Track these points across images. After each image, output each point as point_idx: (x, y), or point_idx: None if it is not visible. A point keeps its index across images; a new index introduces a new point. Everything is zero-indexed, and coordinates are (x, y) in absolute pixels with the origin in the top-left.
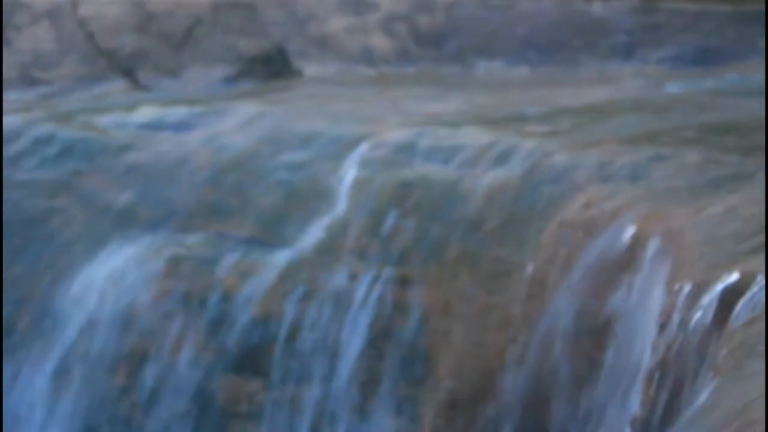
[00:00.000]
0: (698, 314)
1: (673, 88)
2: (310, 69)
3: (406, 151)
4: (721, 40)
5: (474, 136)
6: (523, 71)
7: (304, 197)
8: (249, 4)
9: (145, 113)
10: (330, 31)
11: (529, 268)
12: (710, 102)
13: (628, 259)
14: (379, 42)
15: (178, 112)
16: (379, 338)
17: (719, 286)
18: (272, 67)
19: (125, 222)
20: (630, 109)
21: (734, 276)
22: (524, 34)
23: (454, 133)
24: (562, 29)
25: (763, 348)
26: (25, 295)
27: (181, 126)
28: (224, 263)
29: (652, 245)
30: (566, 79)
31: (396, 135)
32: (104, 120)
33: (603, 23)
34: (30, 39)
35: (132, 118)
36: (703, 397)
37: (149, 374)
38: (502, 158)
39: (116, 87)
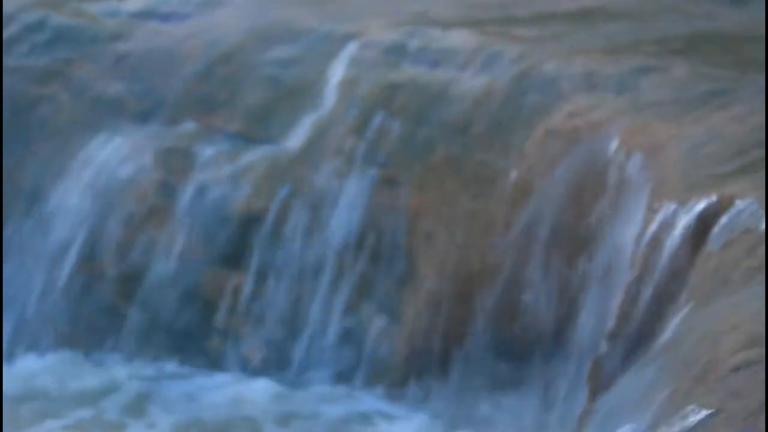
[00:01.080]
0: (676, 234)
1: None
2: None
3: (395, 52)
4: None
5: (462, 40)
6: None
7: (293, 94)
8: None
9: (137, 1)
10: None
11: (514, 175)
12: (700, 9)
13: (610, 172)
14: None
15: (170, 2)
16: (363, 238)
17: (697, 208)
18: None
19: (114, 112)
20: (619, 14)
21: (712, 198)
22: None
23: (442, 36)
24: None
25: (735, 276)
26: (15, 184)
27: (172, 16)
28: (212, 157)
29: (635, 160)
30: None
31: (385, 35)
32: (96, 7)
33: None
34: None
35: (124, 6)
36: (675, 323)
37: (136, 267)
38: (490, 63)
39: None
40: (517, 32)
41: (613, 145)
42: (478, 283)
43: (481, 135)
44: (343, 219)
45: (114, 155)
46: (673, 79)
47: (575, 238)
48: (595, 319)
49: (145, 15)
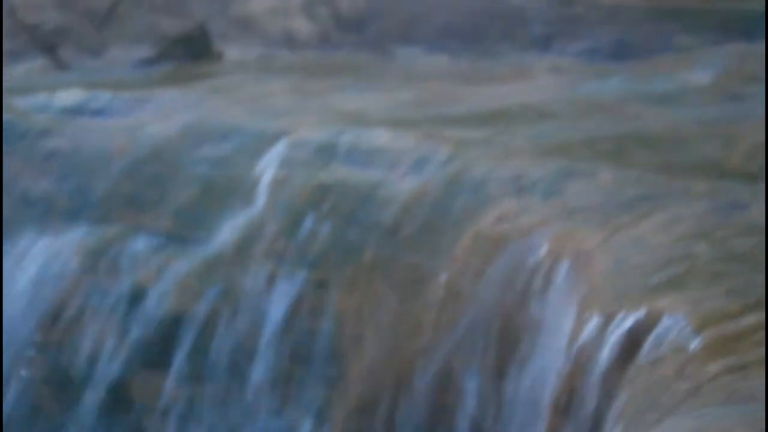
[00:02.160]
0: (605, 349)
1: (588, 88)
2: (232, 51)
3: (325, 151)
4: (636, 35)
5: (392, 140)
6: (443, 60)
7: (223, 193)
8: None
9: (67, 96)
10: (252, 12)
11: (443, 278)
12: (624, 108)
13: (538, 280)
14: (301, 25)
15: (100, 97)
16: (293, 340)
17: (626, 323)
18: (194, 49)
19: (43, 210)
20: (546, 114)
21: (641, 313)
22: (444, 22)
23: (372, 135)
24: (482, 17)
25: (665, 399)
26: None
27: (102, 112)
28: (141, 257)
29: (562, 268)
30: (484, 73)
31: (315, 134)
32: (26, 102)
33: (522, 13)
34: None
35: (53, 101)
36: None
37: (66, 366)
38: (420, 165)
39: (38, 64)
40: (446, 133)
41: (541, 251)
42: (406, 386)
43: (410, 237)
44: (272, 320)
45: (41, 255)
46: (599, 184)
47: (504, 346)
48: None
49: (75, 111)
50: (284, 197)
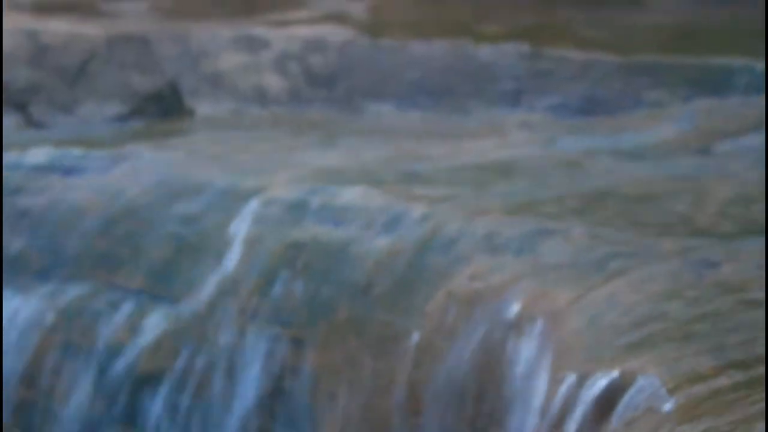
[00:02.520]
0: (578, 411)
1: (558, 144)
2: (203, 108)
3: (298, 209)
4: (607, 91)
5: (365, 198)
6: (414, 116)
7: (195, 251)
8: (143, 39)
9: (38, 154)
10: (223, 68)
11: (416, 336)
12: (595, 164)
13: (511, 339)
14: (272, 81)
15: (71, 155)
16: (267, 399)
17: (600, 384)
18: (165, 106)
19: (15, 269)
20: (516, 171)
21: (614, 374)
22: (415, 78)
23: (345, 193)
24: (452, 73)
25: None
26: None
27: (73, 169)
28: (113, 316)
29: (536, 327)
30: (455, 129)
31: (287, 192)
32: None
33: (491, 68)
34: None
35: (25, 159)
36: None
37: (38, 425)
38: (392, 223)
39: (9, 122)
40: (418, 190)
41: (514, 310)
42: None
43: (383, 295)
44: (246, 379)
45: (14, 314)
46: (571, 242)
47: (478, 404)
48: None
49: (46, 168)
50: (257, 255)
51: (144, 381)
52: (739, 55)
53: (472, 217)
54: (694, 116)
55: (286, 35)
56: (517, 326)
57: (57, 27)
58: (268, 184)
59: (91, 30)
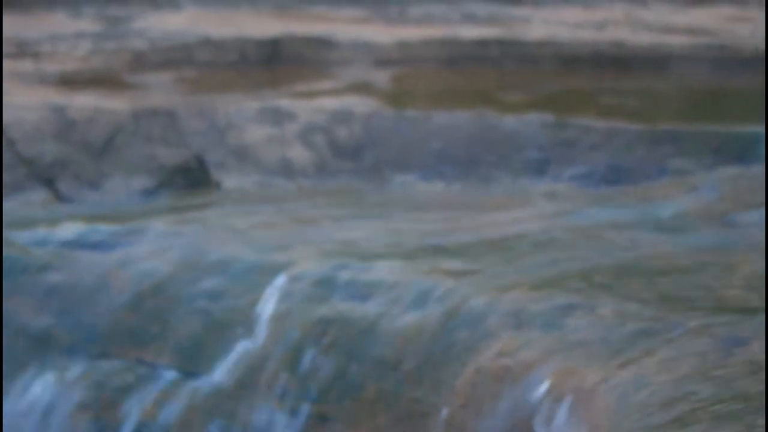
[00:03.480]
0: None
1: (583, 215)
2: (229, 181)
3: (325, 285)
4: (631, 159)
5: (391, 273)
6: (438, 187)
7: (223, 327)
8: (169, 112)
9: (66, 230)
10: (249, 141)
11: (444, 412)
12: (620, 236)
13: (539, 416)
14: (298, 153)
15: (99, 231)
16: None
17: None
18: (192, 179)
19: (44, 345)
20: (542, 243)
21: None
22: (439, 148)
23: (371, 269)
24: (476, 143)
25: None
26: None
27: (101, 245)
28: (142, 392)
29: (564, 406)
30: (480, 199)
31: (314, 267)
32: (26, 236)
33: (516, 138)
34: None
35: (52, 236)
36: None
37: None
38: (420, 298)
39: (37, 197)
40: (445, 264)
41: (542, 388)
42: None
43: (412, 371)
44: None
45: (44, 391)
46: (599, 318)
47: None
48: None
49: (74, 244)
50: (285, 331)
51: None
52: (763, 123)
53: (499, 292)
54: (718, 185)
55: (312, 107)
56: (545, 404)
57: (83, 101)
58: (294, 260)
59: (117, 104)
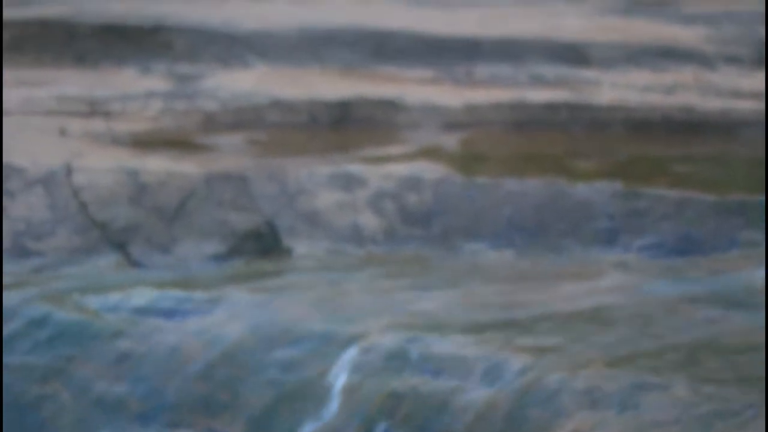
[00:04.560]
0: None
1: (656, 287)
2: (300, 247)
3: (396, 358)
4: (702, 230)
5: (464, 347)
6: (508, 255)
7: (295, 399)
8: (240, 177)
9: (138, 296)
10: (320, 206)
11: None
12: (693, 311)
13: None
14: (368, 220)
15: (170, 297)
16: None
17: None
18: (262, 244)
19: (116, 413)
20: (615, 318)
21: None
22: (510, 215)
23: (444, 342)
24: (547, 211)
25: None
26: None
27: (173, 312)
28: None
29: None
30: (550, 269)
31: (386, 339)
32: (97, 302)
33: (586, 206)
34: (23, 206)
35: (124, 302)
36: None
37: None
38: (493, 374)
39: (108, 261)
40: (517, 339)
41: None
42: None
43: None
44: None
45: None
46: (674, 398)
47: None
48: None
49: (146, 311)
50: (356, 404)
51: None
52: None
53: (573, 369)
54: None
55: (381, 173)
56: None
57: (155, 164)
58: (366, 331)
59: (188, 167)
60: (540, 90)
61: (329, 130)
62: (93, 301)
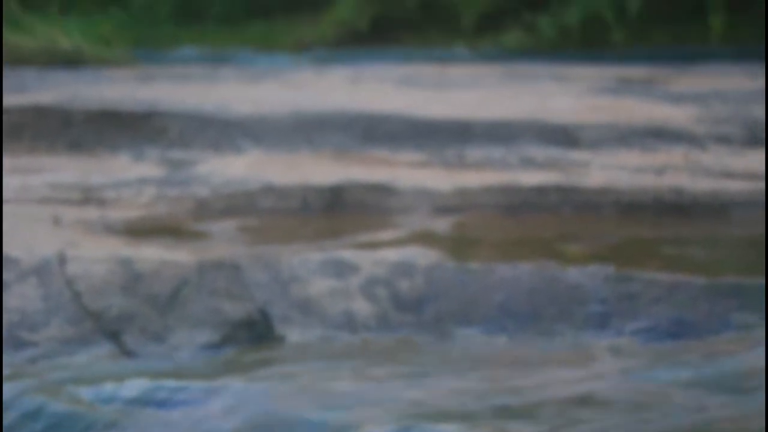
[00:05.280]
0: None
1: (648, 373)
2: (293, 335)
3: None
4: (694, 313)
5: None
6: (501, 341)
7: None
8: (234, 265)
9: (131, 387)
10: (313, 294)
11: None
12: (687, 397)
13: None
14: (360, 306)
15: (164, 387)
16: None
17: None
18: (256, 333)
19: None
20: (608, 404)
21: None
22: (502, 301)
23: (437, 430)
24: (538, 296)
25: None
26: None
27: (167, 402)
28: None
29: None
30: (543, 354)
31: (380, 429)
32: (91, 392)
33: (578, 291)
34: (17, 297)
35: (118, 392)
36: None
37: None
38: None
39: (102, 351)
40: (510, 426)
41: None
42: None
43: None
44: None
45: None
46: None
47: None
48: None
49: (140, 402)
50: None
51: None
52: None
53: None
54: None
55: (374, 259)
56: None
57: (149, 253)
58: (361, 421)
59: (181, 256)
60: (531, 172)
61: (321, 215)
62: (87, 392)
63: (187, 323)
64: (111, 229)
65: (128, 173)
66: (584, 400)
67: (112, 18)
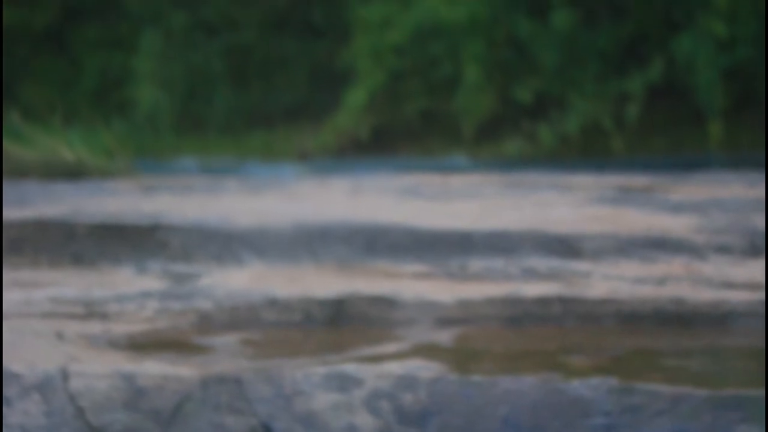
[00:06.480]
0: None
1: None
2: None
3: None
4: (697, 425)
5: None
6: None
7: None
8: (237, 379)
9: None
10: (316, 408)
11: None
12: None
13: None
14: (364, 420)
15: None
16: None
17: None
18: None
19: None
20: None
21: None
22: (506, 414)
23: None
24: (542, 409)
25: None
26: None
27: None
28: None
29: None
30: None
31: None
32: None
33: (581, 403)
34: (20, 413)
35: None
36: None
37: None
38: None
39: None
40: None
41: None
42: None
43: None
44: None
45: None
46: None
47: None
48: None
49: None
50: None
51: None
52: None
53: None
54: None
55: (377, 372)
56: None
57: (151, 368)
58: None
59: (184, 371)
60: (533, 284)
61: (324, 328)
62: None
63: None
64: (114, 344)
65: (131, 287)
66: None
67: (114, 128)
